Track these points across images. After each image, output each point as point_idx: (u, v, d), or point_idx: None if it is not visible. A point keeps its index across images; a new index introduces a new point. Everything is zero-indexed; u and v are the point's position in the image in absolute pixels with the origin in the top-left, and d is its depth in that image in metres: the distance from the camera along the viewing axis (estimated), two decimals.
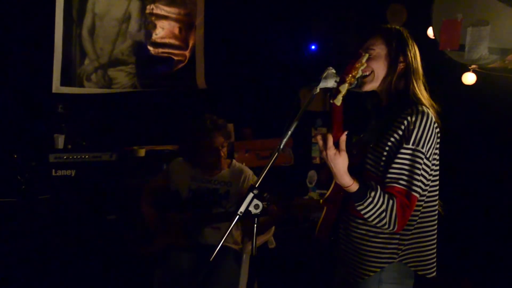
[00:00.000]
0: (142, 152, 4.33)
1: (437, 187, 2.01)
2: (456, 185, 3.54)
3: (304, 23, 5.19)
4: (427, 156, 1.88)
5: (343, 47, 4.70)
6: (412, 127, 1.86)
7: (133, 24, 4.72)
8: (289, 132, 1.84)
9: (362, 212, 1.87)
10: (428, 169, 1.90)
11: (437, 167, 1.99)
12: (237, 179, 3.27)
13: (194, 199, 3.23)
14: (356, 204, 1.87)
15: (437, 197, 2.02)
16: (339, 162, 1.82)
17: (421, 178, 1.87)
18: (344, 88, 1.75)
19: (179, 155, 3.44)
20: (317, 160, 5.13)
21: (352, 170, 1.87)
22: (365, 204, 1.84)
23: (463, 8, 3.48)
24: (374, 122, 2.08)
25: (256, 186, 1.81)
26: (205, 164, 3.27)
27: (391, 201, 1.84)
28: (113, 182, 4.06)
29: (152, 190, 3.32)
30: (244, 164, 3.45)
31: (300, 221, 4.20)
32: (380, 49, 2.00)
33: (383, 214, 1.84)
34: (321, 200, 2.10)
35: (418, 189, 1.86)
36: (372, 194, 1.84)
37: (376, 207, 1.84)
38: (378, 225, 1.87)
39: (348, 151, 1.85)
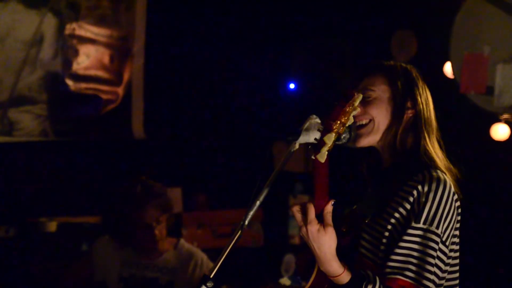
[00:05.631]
0: (52, 226, 4.28)
1: (457, 274, 2.01)
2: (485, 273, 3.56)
3: (282, 54, 5.28)
4: (444, 239, 1.88)
5: (332, 87, 4.78)
6: (423, 200, 1.87)
7: (46, 48, 4.73)
8: (258, 202, 1.84)
9: None
10: (444, 257, 1.90)
11: (457, 254, 2.00)
12: (184, 266, 3.28)
13: None
14: None
15: None
16: (325, 242, 1.81)
17: (434, 269, 1.86)
18: (330, 139, 1.75)
19: (104, 231, 3.41)
20: (296, 240, 5.12)
21: (341, 253, 1.86)
22: None
23: (491, 38, 3.59)
24: (372, 190, 2.09)
25: (211, 276, 1.79)
26: (137, 245, 3.26)
27: None
28: (10, 268, 3.99)
29: (70, 284, 3.30)
30: (195, 244, 3.45)
31: None
32: (381, 91, 2.04)
33: None
34: None
35: (431, 284, 1.85)
36: None
37: None
38: None
39: (336, 227, 1.85)
